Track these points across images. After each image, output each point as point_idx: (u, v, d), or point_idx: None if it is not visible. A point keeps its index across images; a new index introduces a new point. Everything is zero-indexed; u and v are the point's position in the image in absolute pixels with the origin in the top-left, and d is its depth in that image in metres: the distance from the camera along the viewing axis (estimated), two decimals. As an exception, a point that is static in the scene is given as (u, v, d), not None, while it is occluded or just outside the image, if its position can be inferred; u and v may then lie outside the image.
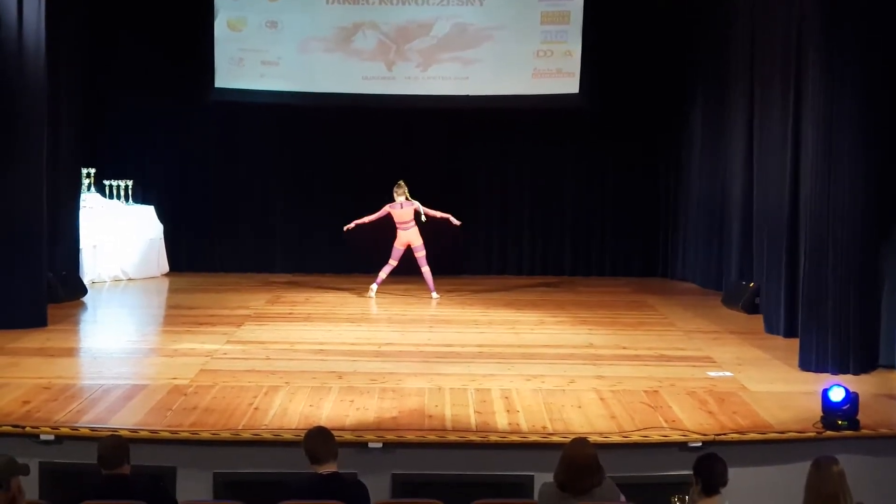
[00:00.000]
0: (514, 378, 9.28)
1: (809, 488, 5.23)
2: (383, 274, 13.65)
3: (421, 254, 13.55)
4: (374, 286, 13.67)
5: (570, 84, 15.50)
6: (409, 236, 13.50)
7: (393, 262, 13.61)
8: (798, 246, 10.67)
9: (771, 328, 11.43)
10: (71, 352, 10.49)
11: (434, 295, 13.67)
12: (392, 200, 13.42)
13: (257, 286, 14.54)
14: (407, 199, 13.45)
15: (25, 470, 5.26)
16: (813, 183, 9.71)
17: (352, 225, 13.51)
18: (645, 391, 8.82)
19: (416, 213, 13.44)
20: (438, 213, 13.52)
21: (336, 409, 8.17)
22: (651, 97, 15.64)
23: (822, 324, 9.58)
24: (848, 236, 9.50)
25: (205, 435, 7.55)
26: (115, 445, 5.96)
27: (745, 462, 7.33)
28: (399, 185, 13.48)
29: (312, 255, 15.78)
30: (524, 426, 7.84)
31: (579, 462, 5.81)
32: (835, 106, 9.49)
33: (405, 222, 13.46)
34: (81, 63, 13.72)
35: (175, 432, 7.58)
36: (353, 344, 10.78)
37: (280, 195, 16.04)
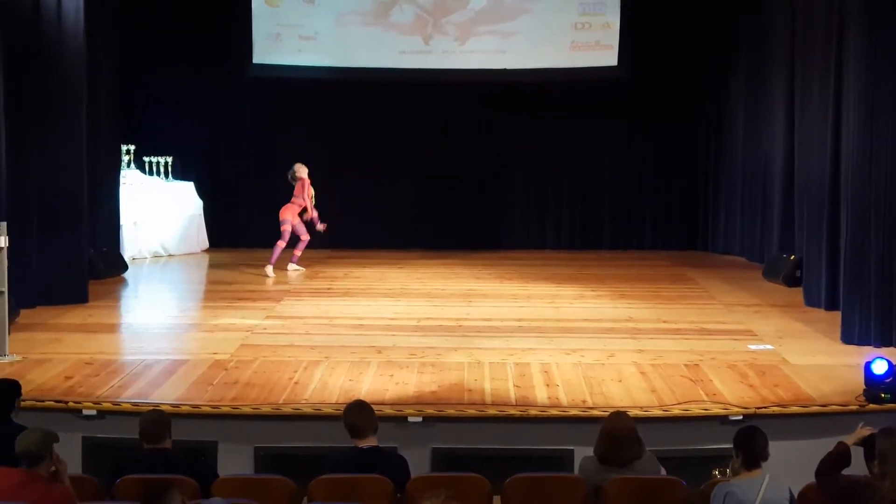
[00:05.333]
0: (554, 352, 9.26)
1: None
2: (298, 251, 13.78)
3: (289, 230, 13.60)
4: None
5: (608, 56, 15.35)
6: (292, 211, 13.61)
7: (305, 238, 13.72)
8: (840, 217, 10.54)
9: (811, 301, 11.32)
10: (112, 327, 10.57)
11: (268, 269, 13.46)
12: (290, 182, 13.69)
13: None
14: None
15: (55, 437, 5.32)
16: (855, 153, 9.59)
17: (321, 227, 13.69)
18: (685, 364, 8.78)
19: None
20: (312, 212, 13.67)
21: (376, 384, 8.19)
22: (691, 68, 15.48)
23: (864, 296, 9.47)
24: (890, 207, 9.37)
25: (245, 409, 7.60)
26: (156, 420, 6.02)
27: (786, 435, 7.27)
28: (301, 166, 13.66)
29: (351, 229, 15.74)
30: (564, 400, 7.82)
31: (618, 435, 5.83)
32: (877, 75, 9.33)
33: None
34: (119, 40, 13.76)
35: (216, 407, 7.63)
36: (392, 318, 10.79)
37: (318, 170, 15.92)
